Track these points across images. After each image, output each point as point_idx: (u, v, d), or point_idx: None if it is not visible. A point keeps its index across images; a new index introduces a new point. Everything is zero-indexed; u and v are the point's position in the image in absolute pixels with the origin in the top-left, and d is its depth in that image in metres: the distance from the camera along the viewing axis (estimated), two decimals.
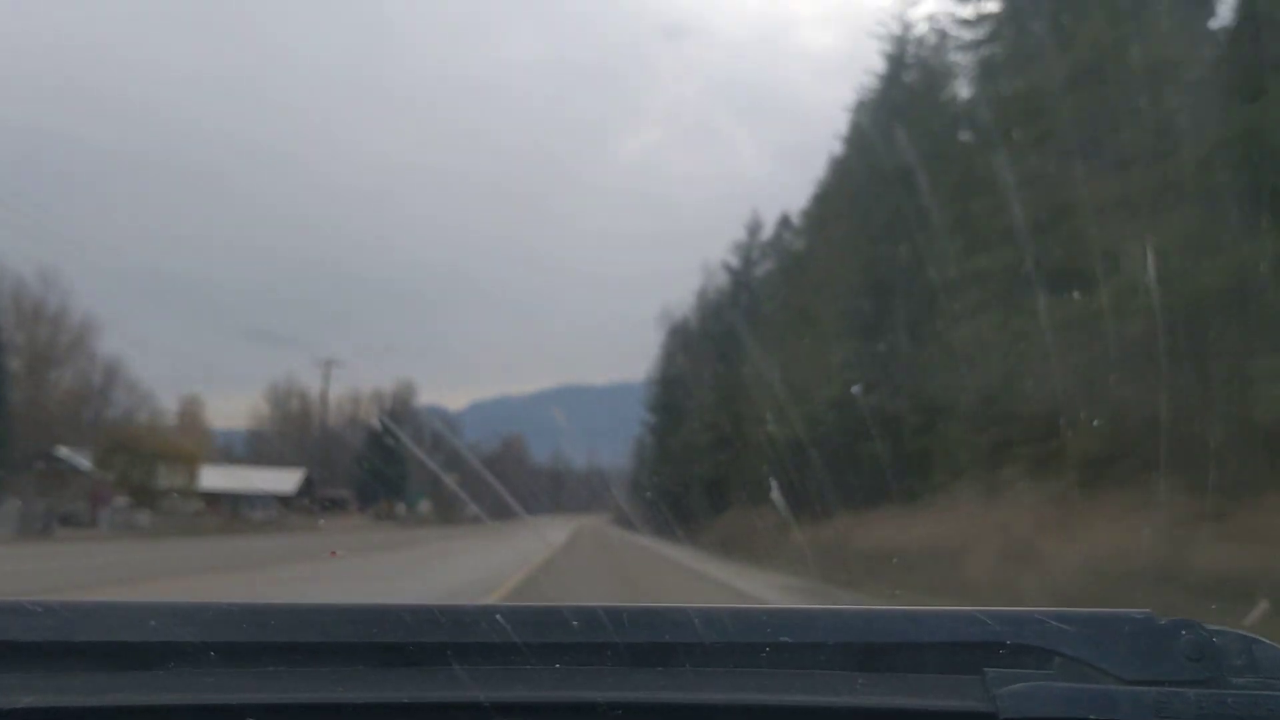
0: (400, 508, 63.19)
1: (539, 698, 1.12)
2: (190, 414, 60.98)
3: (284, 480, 59.14)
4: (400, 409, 69.29)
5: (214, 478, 49.23)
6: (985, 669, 1.15)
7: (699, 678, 1.16)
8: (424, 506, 64.89)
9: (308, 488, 61.07)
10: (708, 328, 51.22)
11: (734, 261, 51.79)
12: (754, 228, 51.23)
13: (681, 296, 70.81)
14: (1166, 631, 1.16)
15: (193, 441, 48.49)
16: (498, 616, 1.17)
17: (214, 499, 47.99)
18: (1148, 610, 1.20)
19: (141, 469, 41.13)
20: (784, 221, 47.99)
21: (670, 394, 56.65)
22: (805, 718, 1.12)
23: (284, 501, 55.50)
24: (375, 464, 55.08)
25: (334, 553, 26.30)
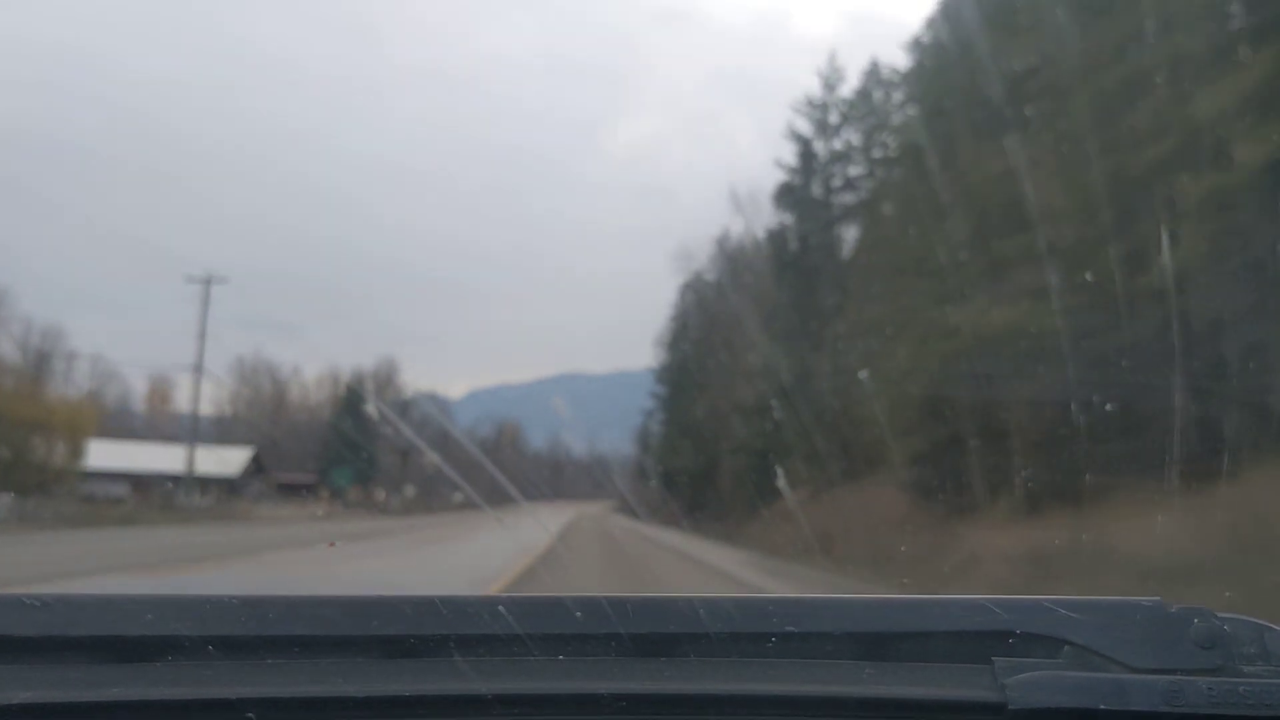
0: (379, 494, 57.81)
1: (542, 689, 1.11)
2: (160, 394, 58.13)
3: (226, 461, 51.07)
4: (383, 387, 64.63)
5: (139, 457, 43.45)
6: (994, 658, 1.14)
7: (704, 668, 1.15)
8: (406, 493, 59.77)
9: (256, 469, 54.69)
10: (760, 243, 39.39)
11: (804, 126, 34.78)
12: (832, 81, 34.15)
13: (699, 243, 62.73)
14: (1177, 619, 1.15)
15: (75, 410, 39.73)
16: (500, 607, 1.16)
17: (142, 482, 42.59)
18: (1158, 598, 1.18)
19: (5, 443, 33.15)
20: (872, 73, 33.01)
21: (686, 359, 47.68)
22: (812, 708, 1.11)
23: (228, 486, 49.41)
24: (346, 445, 49.43)
25: (332, 544, 25.46)
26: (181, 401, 61.04)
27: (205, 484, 46.80)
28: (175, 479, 42.76)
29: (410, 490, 60.49)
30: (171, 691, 1.08)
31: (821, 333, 28.63)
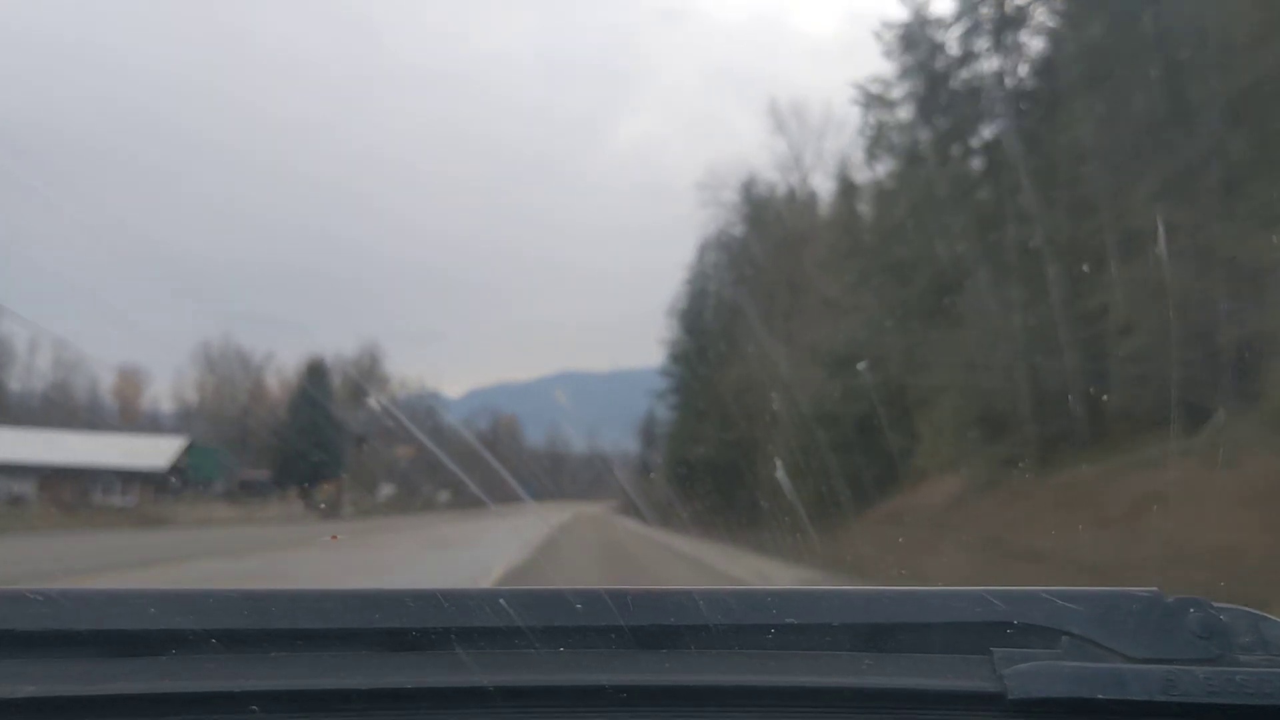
0: (347, 494, 49.98)
1: (543, 681, 1.12)
2: (130, 386, 53.71)
3: (151, 452, 42.35)
4: (365, 376, 57.33)
5: (38, 448, 36.08)
6: (992, 649, 1.15)
7: (704, 660, 1.16)
8: (385, 492, 52.78)
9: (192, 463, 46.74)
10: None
11: None
12: None
13: (729, 171, 52.40)
14: (1174, 610, 1.16)
15: None
16: (501, 600, 1.16)
17: (51, 477, 36.86)
18: (1155, 589, 1.19)
19: None
20: None
21: (710, 324, 39.76)
22: (811, 699, 1.12)
23: (154, 482, 41.61)
24: (303, 434, 42.57)
25: (334, 537, 24.72)
26: (159, 394, 56.40)
27: (128, 479, 39.30)
28: (104, 475, 36.95)
29: (388, 489, 53.36)
30: (175, 685, 1.09)
31: (993, 193, 17.25)
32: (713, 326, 40.15)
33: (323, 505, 43.19)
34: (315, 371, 50.44)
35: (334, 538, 23.95)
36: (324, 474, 46.53)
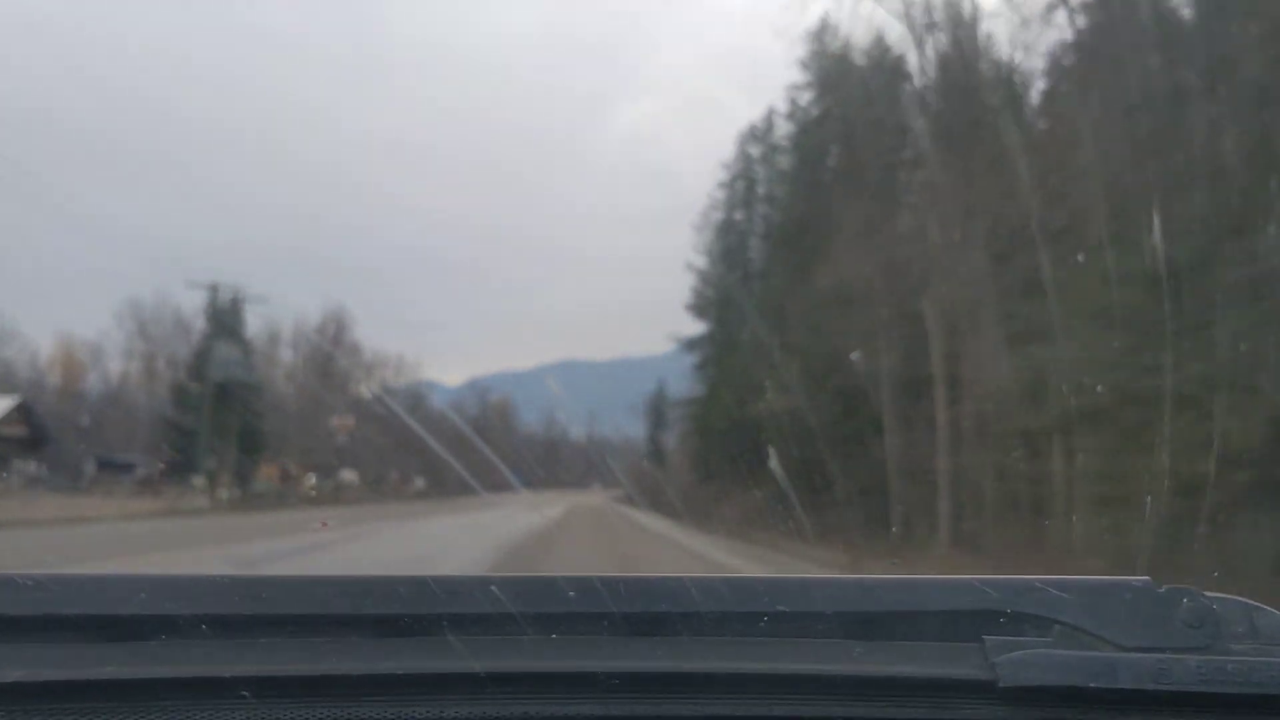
0: (310, 478, 42.80)
1: (535, 668, 1.12)
2: (72, 359, 49.51)
3: None
4: (332, 341, 49.65)
5: None
6: (984, 637, 1.15)
7: (696, 647, 1.16)
8: (344, 478, 45.82)
9: (31, 434, 36.54)
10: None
11: None
12: None
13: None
14: (1166, 599, 1.16)
15: None
16: (493, 587, 1.16)
17: None
18: (1147, 578, 1.19)
19: None
20: None
21: (763, 231, 30.34)
22: (803, 686, 1.12)
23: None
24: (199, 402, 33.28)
25: (324, 524, 23.74)
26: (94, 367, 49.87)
27: None
28: None
29: (348, 474, 46.02)
30: (166, 670, 1.08)
31: None
32: (772, 233, 29.95)
33: (203, 492, 33.52)
34: (221, 313, 36.54)
35: (324, 524, 22.66)
36: (261, 455, 37.46)
